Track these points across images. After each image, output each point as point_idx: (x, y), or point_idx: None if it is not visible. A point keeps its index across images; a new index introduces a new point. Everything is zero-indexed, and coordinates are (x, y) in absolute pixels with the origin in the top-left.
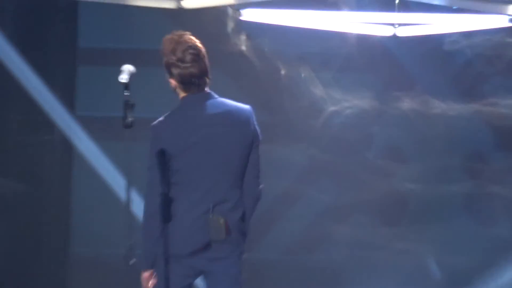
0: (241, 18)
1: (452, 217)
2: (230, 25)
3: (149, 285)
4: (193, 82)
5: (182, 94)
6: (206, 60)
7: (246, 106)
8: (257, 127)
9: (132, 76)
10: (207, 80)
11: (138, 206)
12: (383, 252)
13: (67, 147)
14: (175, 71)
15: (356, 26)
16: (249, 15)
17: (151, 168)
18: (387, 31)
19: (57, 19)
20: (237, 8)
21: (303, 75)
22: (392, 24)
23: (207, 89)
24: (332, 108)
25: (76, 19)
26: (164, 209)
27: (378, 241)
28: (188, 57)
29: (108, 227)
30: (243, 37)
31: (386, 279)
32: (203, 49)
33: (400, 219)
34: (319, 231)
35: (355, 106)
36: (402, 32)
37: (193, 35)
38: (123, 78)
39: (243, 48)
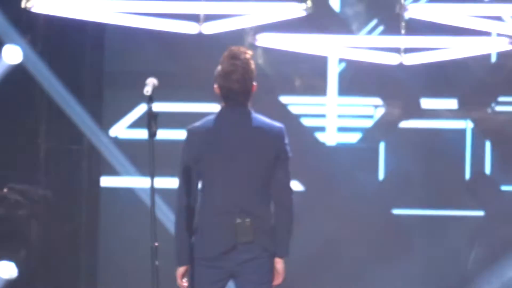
0: (256, 43)
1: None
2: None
3: (183, 282)
4: (231, 97)
5: (221, 104)
6: (252, 79)
7: (278, 124)
8: (286, 146)
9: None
10: (249, 98)
11: (161, 211)
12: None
13: (95, 156)
14: (218, 81)
15: (363, 53)
16: (264, 40)
17: (182, 168)
18: (394, 59)
19: (86, 39)
20: (254, 32)
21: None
22: (398, 51)
23: (247, 105)
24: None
25: (104, 40)
26: (191, 214)
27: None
28: (233, 73)
29: (135, 232)
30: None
31: None
32: (251, 68)
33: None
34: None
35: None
36: (409, 60)
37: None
38: (148, 90)
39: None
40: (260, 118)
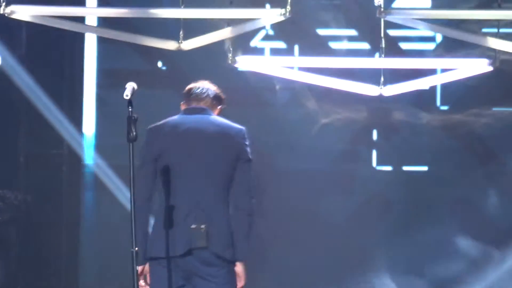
0: (236, 65)
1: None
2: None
3: (141, 283)
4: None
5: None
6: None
7: (237, 126)
8: (246, 147)
9: (134, 93)
10: (209, 100)
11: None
12: None
13: (75, 161)
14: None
15: (342, 83)
16: (244, 62)
17: (141, 166)
18: (373, 91)
19: (66, 43)
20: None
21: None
22: (378, 82)
23: (208, 110)
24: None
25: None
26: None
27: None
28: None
29: (117, 235)
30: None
31: None
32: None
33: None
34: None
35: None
36: (388, 91)
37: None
38: (127, 95)
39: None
40: (220, 119)
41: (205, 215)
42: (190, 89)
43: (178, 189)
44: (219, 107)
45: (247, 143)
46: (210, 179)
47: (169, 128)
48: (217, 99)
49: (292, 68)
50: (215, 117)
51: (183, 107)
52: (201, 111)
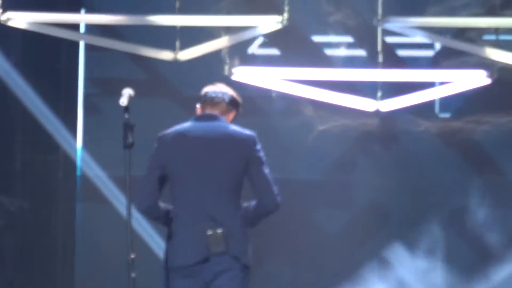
0: (232, 77)
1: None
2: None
3: None
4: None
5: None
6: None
7: (247, 132)
8: (257, 152)
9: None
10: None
11: (138, 222)
12: None
13: (71, 167)
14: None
15: (339, 97)
16: (241, 74)
17: (146, 173)
18: (370, 106)
19: (62, 49)
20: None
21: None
22: (375, 95)
23: (219, 117)
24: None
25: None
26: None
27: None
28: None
29: (112, 241)
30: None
31: None
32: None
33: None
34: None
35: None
36: (385, 106)
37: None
38: (123, 101)
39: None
40: (230, 126)
41: (218, 222)
42: (206, 93)
43: (188, 198)
44: (234, 111)
45: (258, 147)
46: (220, 187)
47: (178, 136)
48: (232, 103)
49: (289, 80)
50: (226, 124)
51: (198, 111)
52: (212, 118)
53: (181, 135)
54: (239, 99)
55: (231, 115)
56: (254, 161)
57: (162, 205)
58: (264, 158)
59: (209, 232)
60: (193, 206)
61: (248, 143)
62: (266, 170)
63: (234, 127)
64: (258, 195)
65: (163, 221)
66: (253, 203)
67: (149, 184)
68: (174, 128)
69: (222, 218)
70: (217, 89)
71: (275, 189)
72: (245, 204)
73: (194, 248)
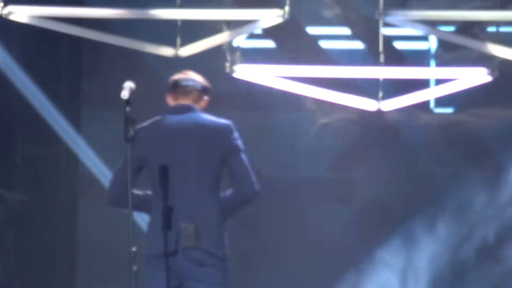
0: (234, 75)
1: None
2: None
3: None
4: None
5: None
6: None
7: (223, 121)
8: (235, 140)
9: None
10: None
11: (140, 215)
12: None
13: (72, 160)
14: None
15: (340, 96)
16: (242, 71)
17: (123, 163)
18: (371, 106)
19: (63, 42)
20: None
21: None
22: (376, 98)
23: (195, 108)
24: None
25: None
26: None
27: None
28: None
29: (114, 235)
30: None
31: None
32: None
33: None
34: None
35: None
36: (386, 106)
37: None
38: (125, 94)
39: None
40: (206, 116)
41: (194, 215)
42: (176, 81)
43: (167, 192)
44: (205, 97)
45: (235, 136)
46: (199, 179)
47: (156, 130)
48: (204, 90)
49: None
50: (202, 115)
51: (170, 101)
52: (187, 110)
53: (158, 127)
54: (208, 85)
55: (203, 103)
56: (232, 149)
57: (140, 193)
58: (241, 146)
59: (182, 225)
60: (172, 199)
61: (225, 132)
62: (245, 158)
63: (210, 117)
64: (236, 184)
65: (141, 209)
66: (228, 192)
67: (123, 176)
68: (151, 121)
69: (199, 211)
70: (187, 76)
71: (254, 177)
72: (220, 195)
73: (170, 240)
